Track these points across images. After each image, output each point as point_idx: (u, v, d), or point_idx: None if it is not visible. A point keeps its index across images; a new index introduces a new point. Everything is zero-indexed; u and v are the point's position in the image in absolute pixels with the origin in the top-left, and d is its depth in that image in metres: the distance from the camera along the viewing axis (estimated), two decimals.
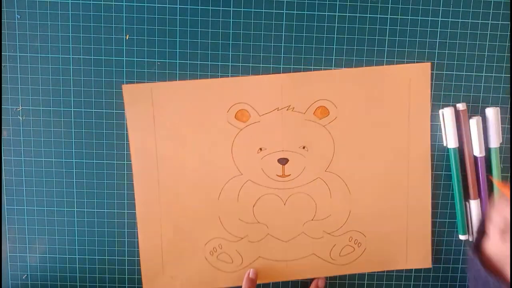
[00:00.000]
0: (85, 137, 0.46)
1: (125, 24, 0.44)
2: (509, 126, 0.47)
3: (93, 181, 0.46)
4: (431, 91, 0.46)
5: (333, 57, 0.45)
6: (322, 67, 0.45)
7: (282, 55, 0.45)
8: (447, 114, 0.45)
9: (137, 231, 0.46)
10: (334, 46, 0.45)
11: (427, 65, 0.45)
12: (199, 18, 0.44)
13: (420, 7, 0.45)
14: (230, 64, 0.45)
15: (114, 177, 0.46)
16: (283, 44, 0.45)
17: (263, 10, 0.44)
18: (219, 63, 0.45)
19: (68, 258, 0.48)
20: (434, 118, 0.46)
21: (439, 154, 0.47)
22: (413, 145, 0.46)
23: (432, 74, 0.46)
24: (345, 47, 0.45)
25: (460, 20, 0.45)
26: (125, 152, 0.46)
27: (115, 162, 0.46)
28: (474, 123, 0.45)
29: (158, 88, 0.45)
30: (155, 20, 0.44)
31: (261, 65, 0.45)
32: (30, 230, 0.47)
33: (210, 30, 0.44)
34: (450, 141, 0.46)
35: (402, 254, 0.48)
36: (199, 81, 0.45)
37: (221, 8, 0.44)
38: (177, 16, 0.44)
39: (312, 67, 0.45)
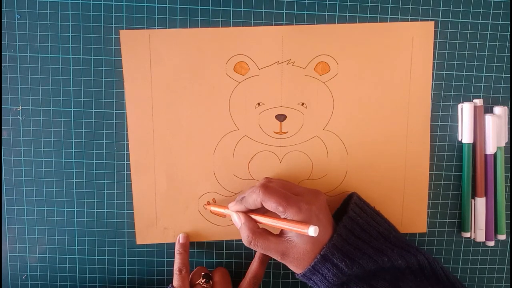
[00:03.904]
0: (85, 137, 0.46)
1: (125, 24, 0.44)
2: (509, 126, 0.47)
3: (93, 181, 0.46)
4: (434, 51, 0.45)
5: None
6: (325, 24, 0.44)
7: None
8: (465, 109, 0.45)
9: (132, 193, 0.46)
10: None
11: (431, 23, 0.45)
12: None
13: (420, 7, 0.45)
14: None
15: (114, 177, 0.46)
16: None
17: None
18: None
19: (68, 258, 0.48)
20: (433, 117, 0.46)
21: (439, 154, 0.47)
22: (413, 106, 0.46)
23: (432, 74, 0.46)
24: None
25: (460, 20, 0.45)
26: (125, 152, 0.46)
27: (115, 162, 0.46)
28: (489, 120, 0.45)
29: (156, 34, 0.44)
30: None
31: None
32: (30, 230, 0.47)
33: None
34: (466, 136, 0.45)
35: (397, 218, 0.47)
36: (198, 30, 0.44)
37: None
38: None
39: (315, 23, 0.44)
